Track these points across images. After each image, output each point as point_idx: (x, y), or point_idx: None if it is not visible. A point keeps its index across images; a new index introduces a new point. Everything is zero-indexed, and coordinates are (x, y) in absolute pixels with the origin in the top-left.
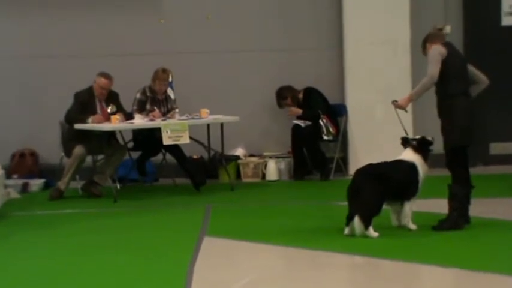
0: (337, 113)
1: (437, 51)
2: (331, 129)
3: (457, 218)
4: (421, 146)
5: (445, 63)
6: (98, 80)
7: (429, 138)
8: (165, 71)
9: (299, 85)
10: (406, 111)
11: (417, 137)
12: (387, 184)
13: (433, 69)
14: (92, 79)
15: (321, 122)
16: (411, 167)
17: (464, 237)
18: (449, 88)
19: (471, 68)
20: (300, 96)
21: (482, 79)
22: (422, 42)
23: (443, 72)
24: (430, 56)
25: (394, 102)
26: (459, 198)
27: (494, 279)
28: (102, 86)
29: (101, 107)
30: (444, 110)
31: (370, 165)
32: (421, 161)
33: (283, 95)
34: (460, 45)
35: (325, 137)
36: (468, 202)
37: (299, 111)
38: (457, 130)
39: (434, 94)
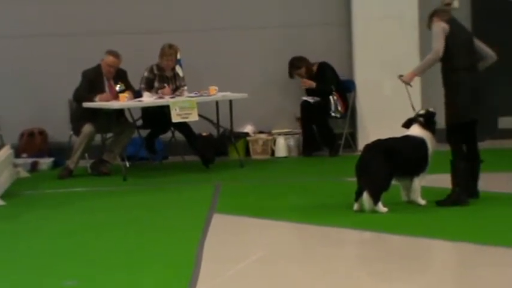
0: (346, 89)
1: (439, 27)
2: (339, 107)
3: (460, 194)
4: (427, 120)
5: (449, 39)
6: (106, 58)
7: (431, 109)
8: (171, 46)
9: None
10: (411, 85)
11: (421, 111)
12: (396, 160)
13: (438, 44)
14: (101, 57)
15: (331, 98)
16: (420, 142)
17: (473, 212)
18: (453, 64)
19: (478, 43)
20: (314, 68)
21: (489, 54)
22: (428, 16)
23: (447, 48)
24: (434, 32)
25: (400, 76)
26: (461, 174)
27: (502, 253)
28: (110, 64)
29: (109, 85)
30: (447, 85)
31: (379, 140)
32: (430, 136)
33: (297, 64)
34: (468, 19)
35: (332, 114)
36: (472, 177)
37: (313, 83)
38: (457, 107)
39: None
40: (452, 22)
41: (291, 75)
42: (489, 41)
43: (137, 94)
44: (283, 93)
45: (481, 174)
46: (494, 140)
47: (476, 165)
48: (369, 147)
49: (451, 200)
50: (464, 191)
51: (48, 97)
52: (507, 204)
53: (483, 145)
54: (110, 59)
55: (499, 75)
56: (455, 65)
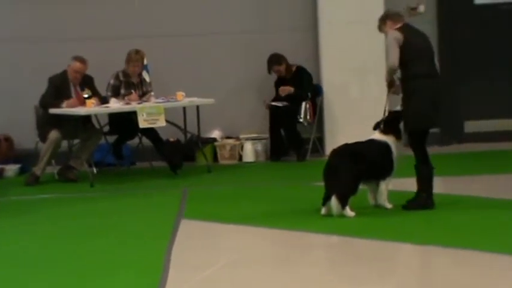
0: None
1: (392, 36)
2: (308, 116)
3: (427, 199)
4: (391, 124)
5: (404, 48)
6: (72, 64)
7: (397, 108)
8: (138, 52)
9: None
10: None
11: (385, 115)
12: (363, 164)
13: (392, 56)
14: (66, 63)
15: (303, 105)
16: (384, 146)
17: (439, 215)
18: (410, 71)
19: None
20: (293, 69)
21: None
22: (380, 19)
23: (402, 56)
24: (387, 42)
25: (390, 89)
26: (426, 178)
27: (469, 256)
28: (77, 70)
29: (76, 91)
30: (405, 92)
31: (346, 145)
32: (393, 140)
33: (278, 60)
34: (434, 24)
35: (301, 120)
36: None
37: (291, 89)
38: (412, 115)
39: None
40: (405, 28)
41: (269, 71)
42: (455, 45)
43: (104, 100)
44: (251, 98)
45: (449, 178)
46: (460, 144)
47: (430, 170)
48: (335, 152)
49: (418, 204)
50: (430, 194)
51: (14, 103)
52: (473, 207)
53: (449, 149)
54: (77, 65)
55: (463, 79)
56: (412, 72)
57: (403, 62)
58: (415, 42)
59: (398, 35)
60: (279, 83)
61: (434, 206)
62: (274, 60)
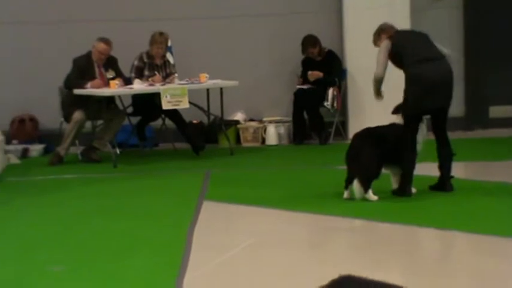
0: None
1: (382, 46)
2: (335, 104)
3: (406, 185)
4: None
5: (393, 49)
6: (96, 45)
7: None
8: (162, 34)
9: (299, 49)
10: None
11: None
12: (385, 147)
13: (378, 66)
14: (91, 44)
15: (330, 91)
16: None
17: (462, 200)
18: (404, 64)
19: (437, 44)
20: (324, 52)
21: (446, 53)
22: (375, 34)
23: (395, 58)
24: (378, 54)
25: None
26: (408, 165)
27: (490, 241)
28: (101, 51)
29: (100, 72)
30: (405, 83)
31: (368, 129)
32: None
33: (315, 43)
34: (460, 9)
35: (327, 107)
36: (443, 168)
37: (320, 74)
38: (407, 99)
39: None
40: (396, 34)
41: (303, 52)
42: (481, 29)
43: (127, 81)
44: (275, 81)
45: (473, 163)
46: (485, 130)
47: (446, 156)
48: (358, 136)
49: (398, 190)
50: (409, 181)
51: (39, 84)
52: (497, 193)
53: (473, 134)
54: (101, 45)
55: (488, 65)
56: (406, 63)
57: (397, 63)
58: (406, 39)
59: (386, 43)
60: (308, 63)
61: (411, 194)
62: (310, 42)
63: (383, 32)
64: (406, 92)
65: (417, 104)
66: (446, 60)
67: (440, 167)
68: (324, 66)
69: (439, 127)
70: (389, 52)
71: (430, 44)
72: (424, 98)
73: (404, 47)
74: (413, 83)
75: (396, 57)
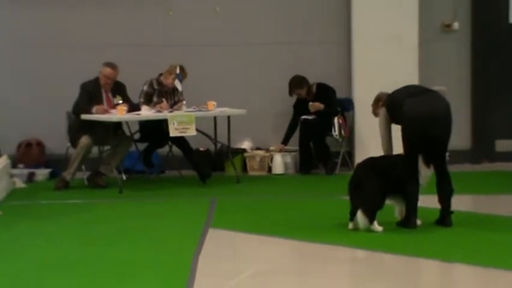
0: (344, 107)
1: (380, 121)
2: (343, 132)
3: (410, 217)
4: None
5: (391, 114)
6: (103, 70)
7: None
8: (183, 69)
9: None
10: None
11: None
12: (388, 178)
13: (382, 146)
14: (99, 70)
15: (335, 120)
16: None
17: (467, 233)
18: (400, 108)
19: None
20: (314, 89)
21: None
22: (372, 104)
23: (393, 117)
24: (379, 127)
25: None
26: (412, 197)
27: (495, 275)
28: (107, 76)
29: (107, 97)
30: None
31: (372, 158)
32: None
33: (301, 84)
34: (467, 41)
35: (335, 136)
36: (442, 203)
37: (321, 106)
38: (403, 131)
39: None
40: (388, 97)
41: (290, 93)
42: (489, 63)
43: (134, 108)
44: (282, 110)
45: (479, 196)
46: (492, 163)
47: (445, 191)
48: (361, 166)
49: (403, 222)
50: (415, 213)
51: (46, 108)
52: (502, 226)
53: (480, 167)
54: (107, 70)
55: (495, 99)
56: (399, 104)
57: (397, 120)
58: (398, 92)
59: (383, 110)
60: (300, 106)
61: (416, 225)
62: (297, 83)
63: (380, 100)
64: (402, 123)
65: (412, 132)
66: (438, 93)
67: (440, 202)
68: (319, 100)
69: (437, 160)
70: (387, 118)
71: (422, 87)
72: (419, 126)
73: (397, 98)
74: (407, 113)
75: (394, 116)
